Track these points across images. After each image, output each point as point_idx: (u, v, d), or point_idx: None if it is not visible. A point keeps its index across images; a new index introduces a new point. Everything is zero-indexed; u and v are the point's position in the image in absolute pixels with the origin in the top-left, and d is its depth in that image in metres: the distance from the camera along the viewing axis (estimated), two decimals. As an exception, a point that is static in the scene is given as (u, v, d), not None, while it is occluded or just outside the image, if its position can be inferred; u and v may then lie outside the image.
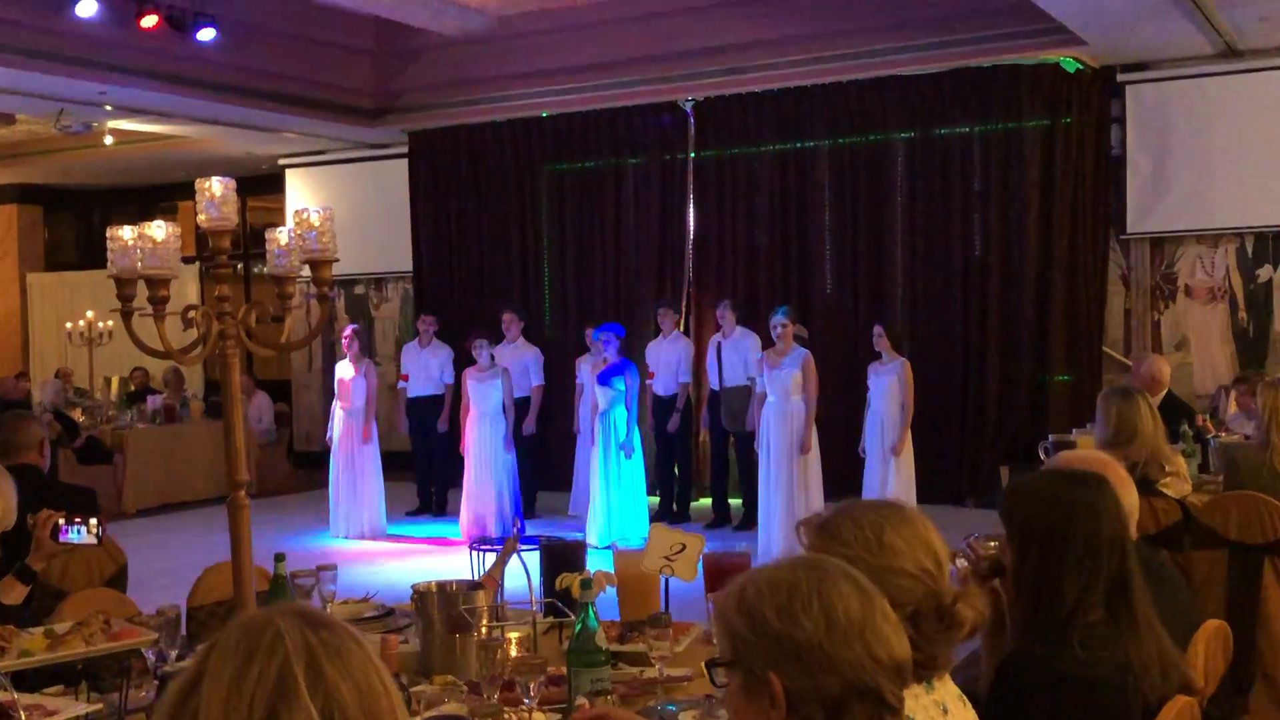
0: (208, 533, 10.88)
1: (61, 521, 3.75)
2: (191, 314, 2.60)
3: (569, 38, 12.30)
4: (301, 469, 14.04)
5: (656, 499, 11.08)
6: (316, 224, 2.68)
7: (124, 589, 5.16)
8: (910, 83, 11.56)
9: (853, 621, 1.76)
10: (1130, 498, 3.06)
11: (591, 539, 9.76)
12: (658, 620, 3.18)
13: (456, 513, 10.91)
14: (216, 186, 2.62)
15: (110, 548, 5.09)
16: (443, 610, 3.24)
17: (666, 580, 3.60)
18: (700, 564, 3.59)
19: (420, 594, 3.34)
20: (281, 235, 2.77)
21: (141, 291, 2.62)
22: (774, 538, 9.01)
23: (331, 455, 10.85)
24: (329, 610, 3.72)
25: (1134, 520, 3.11)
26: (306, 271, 2.79)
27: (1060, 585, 2.56)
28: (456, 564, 9.27)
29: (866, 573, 2.00)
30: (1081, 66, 11.00)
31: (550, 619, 3.50)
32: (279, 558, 3.38)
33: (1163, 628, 2.65)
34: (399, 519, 11.37)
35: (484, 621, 3.15)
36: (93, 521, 3.77)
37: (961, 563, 2.81)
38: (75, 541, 3.78)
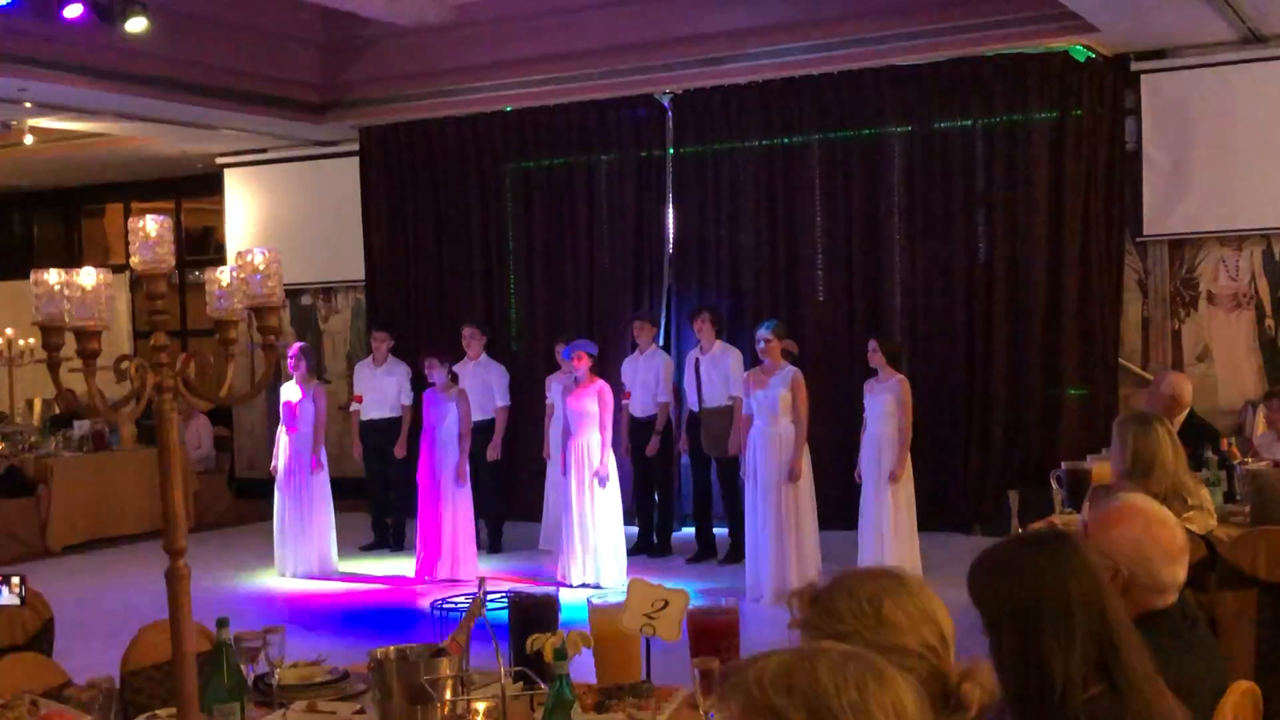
0: (141, 571, 10.82)
1: (-19, 582, 3.73)
2: (125, 365, 2.59)
3: (535, 25, 12.31)
4: (244, 498, 13.98)
5: (635, 528, 11.09)
6: (261, 266, 2.68)
7: (50, 647, 5.14)
8: (907, 73, 11.62)
9: None
10: (1178, 573, 3.07)
11: (565, 577, 9.77)
12: (638, 690, 3.18)
13: (414, 547, 10.89)
14: (151, 226, 2.62)
15: (35, 601, 5.06)
16: (403, 680, 3.24)
17: (648, 640, 3.60)
18: (684, 622, 3.58)
19: (378, 661, 3.34)
20: (223, 276, 2.77)
21: (70, 340, 2.61)
22: (762, 574, 9.02)
23: (277, 485, 10.80)
24: (277, 676, 3.71)
25: (1184, 560, 3.12)
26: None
27: (1043, 661, 2.54)
28: (415, 607, 9.33)
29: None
30: (1093, 55, 11.07)
31: (520, 685, 3.49)
32: (221, 623, 3.37)
33: (1167, 688, 2.66)
34: (352, 553, 11.33)
35: (448, 692, 3.14)
36: (14, 580, 3.76)
37: None
38: (-3, 603, 3.77)
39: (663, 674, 3.66)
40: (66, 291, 2.53)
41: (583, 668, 3.55)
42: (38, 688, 3.85)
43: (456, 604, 3.66)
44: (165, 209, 17.54)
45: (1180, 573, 3.07)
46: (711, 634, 3.58)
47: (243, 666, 3.57)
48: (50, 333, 2.68)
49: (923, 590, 2.32)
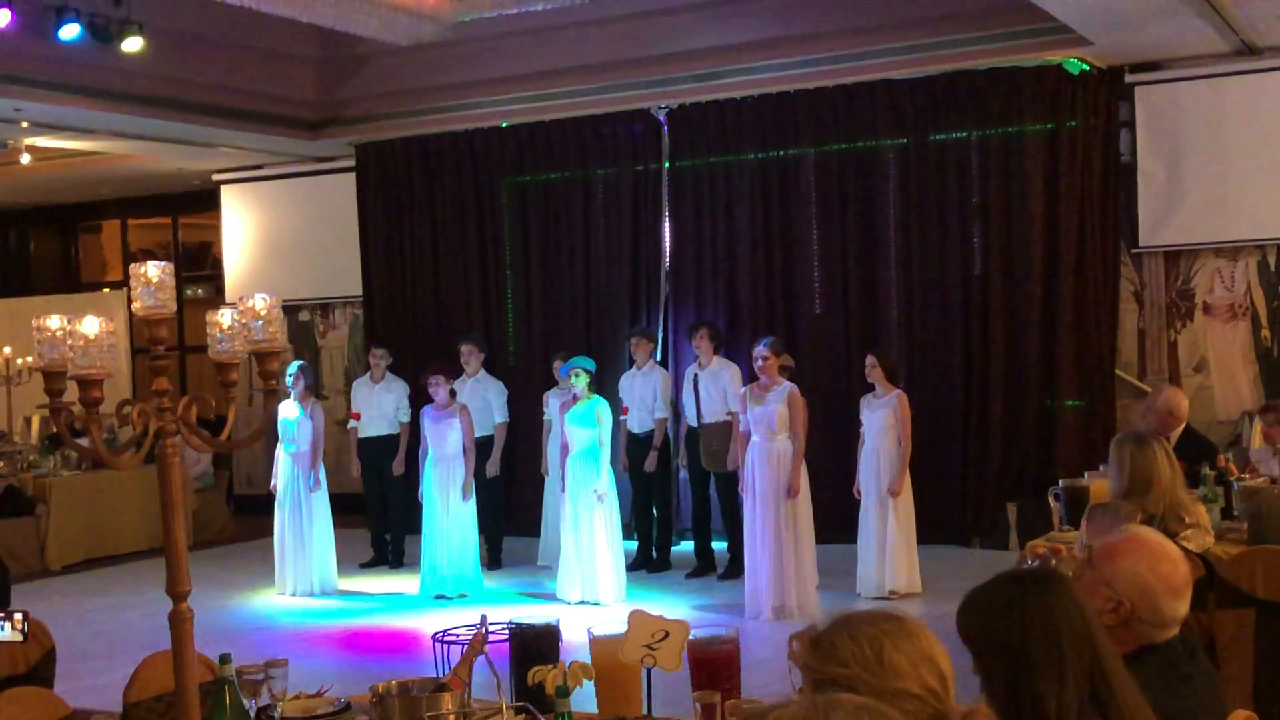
0: (140, 592, 10.84)
1: (-18, 618, 3.75)
2: (127, 410, 2.61)
3: (530, 41, 12.35)
4: (243, 515, 13.99)
5: (634, 543, 11.10)
6: (262, 312, 2.70)
7: (51, 677, 5.15)
8: (901, 86, 11.65)
9: None
10: (1180, 609, 3.08)
11: (564, 594, 9.78)
12: (640, 726, 3.19)
13: (415, 564, 10.90)
14: (153, 271, 2.64)
15: (36, 630, 5.07)
16: (405, 715, 3.25)
17: (649, 671, 3.61)
18: (685, 653, 3.60)
19: (380, 696, 3.35)
20: (224, 318, 2.78)
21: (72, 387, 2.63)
22: (761, 590, 9.03)
23: (276, 503, 10.81)
24: (280, 710, 3.72)
25: (1187, 594, 3.12)
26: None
27: (1036, 698, 2.54)
28: (417, 624, 9.33)
29: (867, 694, 2.03)
30: (1087, 68, 11.10)
31: (523, 718, 3.50)
32: (224, 659, 3.39)
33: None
34: (352, 571, 11.34)
35: (450, 728, 3.16)
36: (17, 616, 3.78)
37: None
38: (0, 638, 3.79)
39: (664, 703, 3.67)
40: (70, 341, 2.55)
41: (584, 698, 3.56)
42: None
43: (458, 636, 3.68)
44: (162, 224, 17.60)
45: (1182, 608, 3.08)
46: (712, 664, 3.59)
47: (245, 700, 3.57)
48: (52, 378, 2.70)
49: (921, 632, 2.33)
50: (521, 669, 3.65)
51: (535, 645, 3.76)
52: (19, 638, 3.83)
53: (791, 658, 2.40)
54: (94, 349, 2.53)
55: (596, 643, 3.74)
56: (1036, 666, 2.58)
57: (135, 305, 2.66)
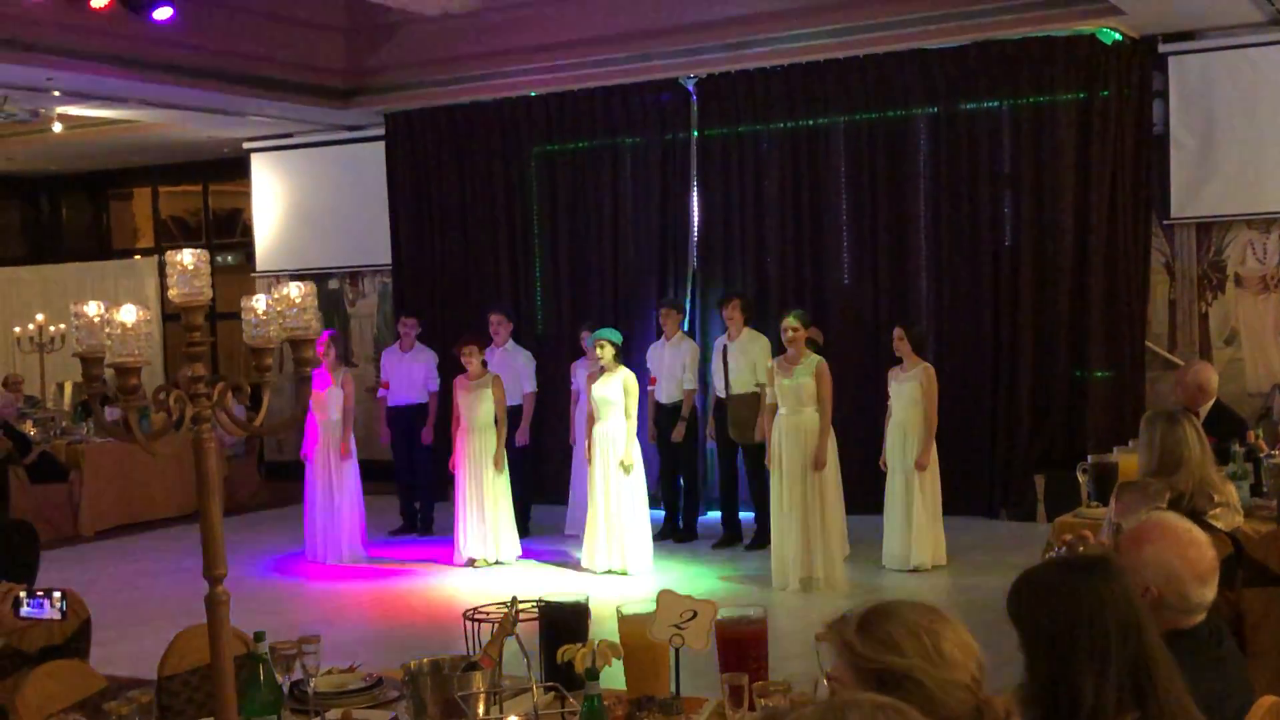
0: (173, 558, 10.96)
1: (23, 595, 3.81)
2: (163, 396, 2.64)
3: (559, 10, 12.33)
4: (273, 480, 14.09)
5: (661, 513, 11.14)
6: (297, 299, 2.72)
7: (87, 648, 5.23)
8: (931, 56, 11.58)
9: None
10: (1207, 594, 3.10)
11: (589, 564, 9.84)
12: (668, 706, 3.22)
13: (443, 533, 10.98)
14: (188, 259, 2.66)
15: (74, 602, 5.14)
16: (436, 693, 3.29)
17: (677, 651, 3.64)
18: (713, 632, 3.62)
19: (412, 674, 3.39)
20: (258, 304, 2.81)
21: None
22: (788, 561, 9.05)
23: (306, 471, 10.88)
24: (313, 684, 3.77)
25: (1214, 580, 3.14)
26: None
27: (1075, 685, 2.55)
28: (448, 592, 9.41)
29: (929, 684, 2.06)
30: (1120, 37, 11.01)
31: (552, 696, 3.54)
32: (258, 637, 3.43)
33: (1198, 711, 2.68)
34: (380, 539, 11.42)
35: (480, 706, 3.19)
36: (56, 595, 3.83)
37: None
38: (37, 616, 3.84)
39: (691, 681, 3.70)
40: (107, 329, 2.58)
41: (612, 675, 3.59)
42: (75, 697, 3.93)
43: (488, 614, 3.71)
44: (192, 192, 17.68)
45: (1209, 593, 3.10)
46: (740, 644, 3.62)
47: (278, 675, 3.62)
48: (90, 364, 2.73)
49: (958, 622, 2.35)
50: (551, 647, 3.69)
51: (564, 623, 3.79)
52: (57, 616, 3.89)
53: (830, 642, 2.39)
54: (131, 337, 2.56)
55: (625, 621, 3.76)
56: (1079, 653, 2.59)
57: (171, 292, 2.68)
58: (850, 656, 2.31)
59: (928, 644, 2.25)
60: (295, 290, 2.74)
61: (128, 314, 2.56)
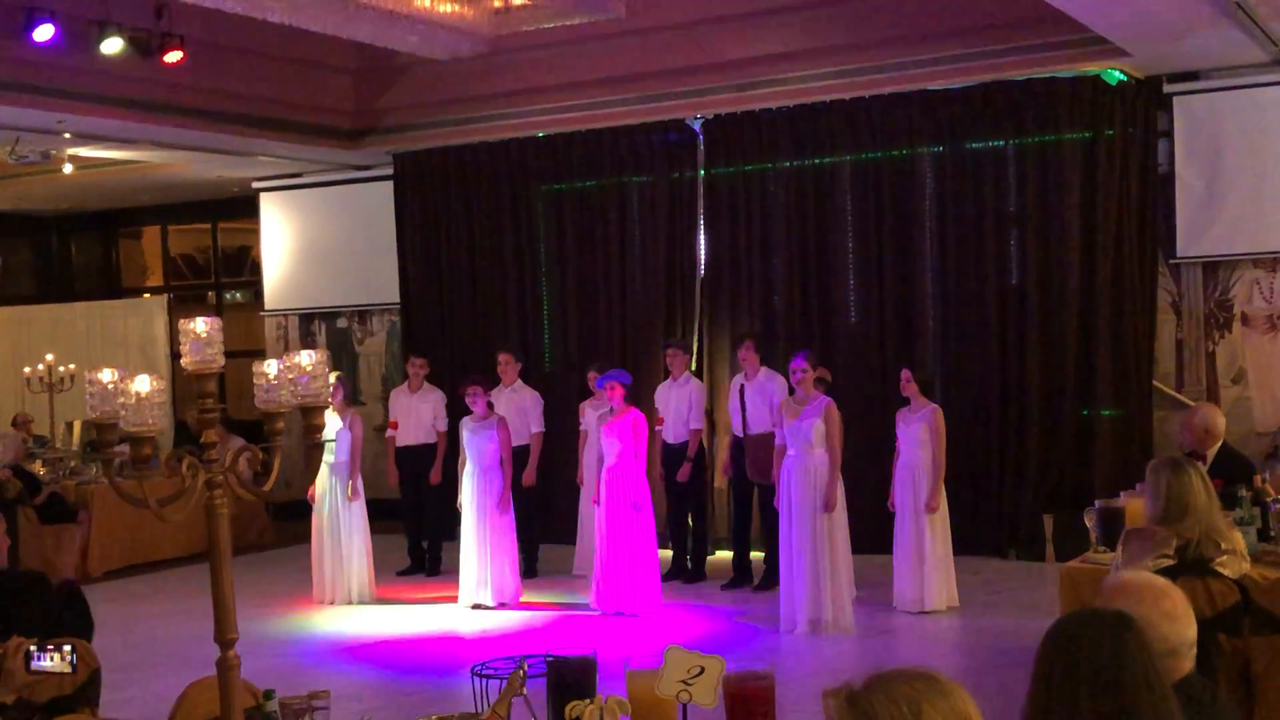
0: (182, 600, 10.97)
1: (33, 649, 3.83)
2: (177, 463, 2.67)
3: (567, 52, 12.41)
4: (281, 520, 14.11)
5: (669, 552, 11.15)
6: (308, 367, 2.76)
7: (97, 696, 5.23)
8: (937, 97, 11.64)
9: None
10: (1184, 631, 3.13)
11: (598, 604, 9.84)
12: (676, 765, 3.23)
13: (451, 572, 10.98)
14: (200, 326, 2.70)
15: (82, 651, 5.16)
16: (446, 753, 3.31)
17: (684, 707, 3.65)
18: (720, 689, 3.64)
19: (421, 732, 3.41)
20: (270, 369, 2.85)
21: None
22: (797, 604, 9.04)
23: (314, 512, 10.89)
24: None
25: (1191, 618, 3.18)
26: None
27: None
28: (455, 634, 9.42)
29: None
30: (1125, 78, 11.07)
31: (560, 753, 3.56)
32: (267, 695, 3.46)
33: None
34: (389, 579, 11.43)
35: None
36: (66, 648, 3.86)
37: None
38: (48, 669, 3.87)
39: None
40: (121, 398, 2.61)
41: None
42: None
43: (496, 670, 3.73)
44: (201, 230, 17.77)
45: (1190, 632, 3.14)
46: (748, 701, 3.63)
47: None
48: (105, 429, 2.76)
49: (955, 690, 2.37)
50: (559, 703, 3.71)
51: (572, 679, 3.81)
52: (68, 669, 3.91)
53: (828, 716, 2.45)
54: (144, 406, 2.60)
55: (633, 677, 3.78)
56: (1052, 696, 2.72)
57: (184, 360, 2.72)
58: None
59: (906, 713, 2.28)
60: (307, 358, 2.77)
61: (141, 384, 2.60)
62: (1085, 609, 2.98)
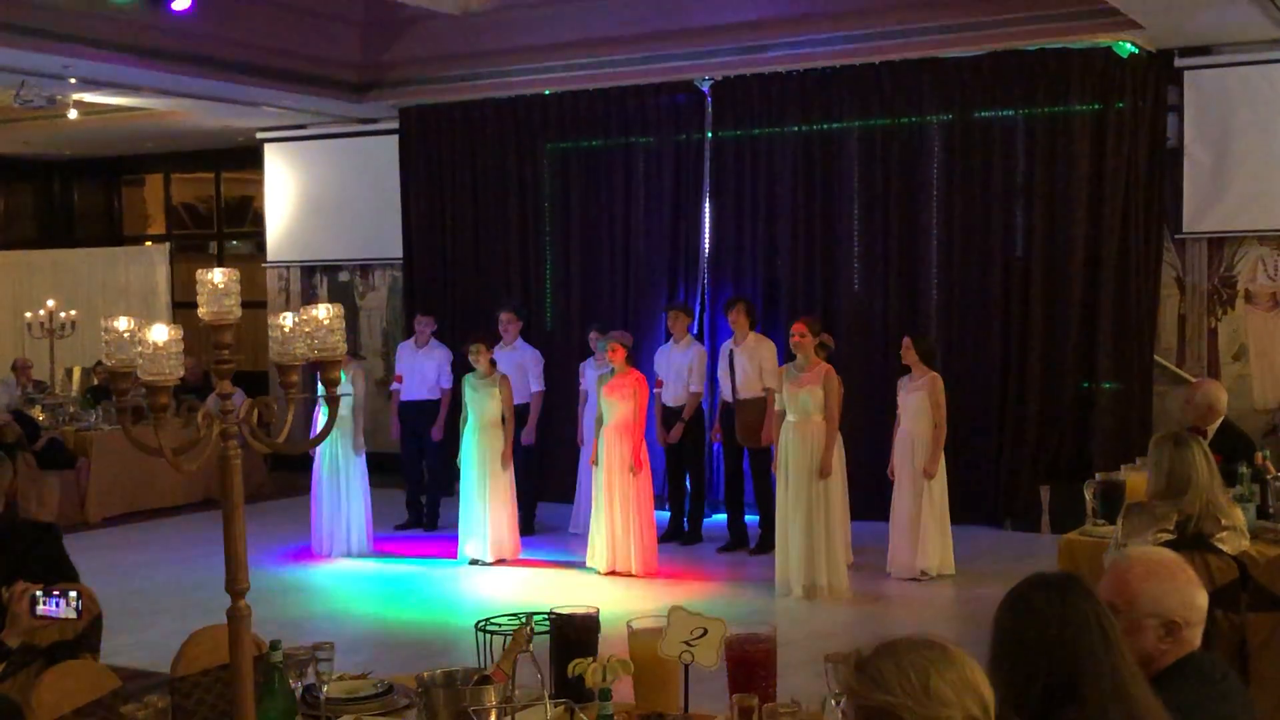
0: (181, 548, 11.02)
1: (39, 594, 3.85)
2: (191, 414, 2.68)
3: (576, 9, 12.35)
4: (280, 471, 14.14)
5: (666, 514, 11.19)
6: (325, 321, 2.76)
7: (98, 641, 5.27)
8: (947, 64, 11.60)
9: None
10: (1182, 565, 3.17)
11: (593, 563, 9.89)
12: (678, 725, 3.26)
13: (449, 528, 11.02)
14: (218, 277, 2.70)
15: (87, 599, 5.19)
16: (449, 706, 3.33)
17: (687, 667, 3.68)
18: (722, 650, 3.66)
19: (425, 686, 3.43)
20: (286, 321, 2.85)
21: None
22: (793, 569, 9.08)
23: (314, 465, 10.92)
24: (325, 691, 3.81)
25: (1201, 627, 3.20)
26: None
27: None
28: (453, 590, 9.47)
29: None
30: (1136, 50, 11.02)
31: (563, 709, 3.58)
32: (274, 645, 3.47)
33: None
34: (387, 533, 11.47)
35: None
36: (72, 594, 3.88)
37: None
38: (54, 615, 3.89)
39: (700, 696, 3.74)
40: (139, 347, 2.62)
41: (622, 688, 3.63)
42: (90, 696, 3.98)
43: (500, 626, 3.75)
44: (204, 179, 17.73)
45: (1203, 597, 3.17)
46: (750, 663, 3.66)
47: (291, 680, 3.66)
48: (119, 378, 2.77)
49: (964, 659, 2.38)
50: (562, 660, 3.73)
51: (575, 636, 3.83)
52: (73, 615, 3.93)
53: (827, 680, 2.47)
54: (161, 355, 2.60)
55: (635, 636, 3.81)
56: (999, 665, 2.77)
57: (201, 310, 2.72)
58: (848, 692, 2.38)
59: (915, 682, 2.29)
60: (323, 311, 2.78)
61: (159, 333, 2.60)
62: (1035, 573, 3.01)
